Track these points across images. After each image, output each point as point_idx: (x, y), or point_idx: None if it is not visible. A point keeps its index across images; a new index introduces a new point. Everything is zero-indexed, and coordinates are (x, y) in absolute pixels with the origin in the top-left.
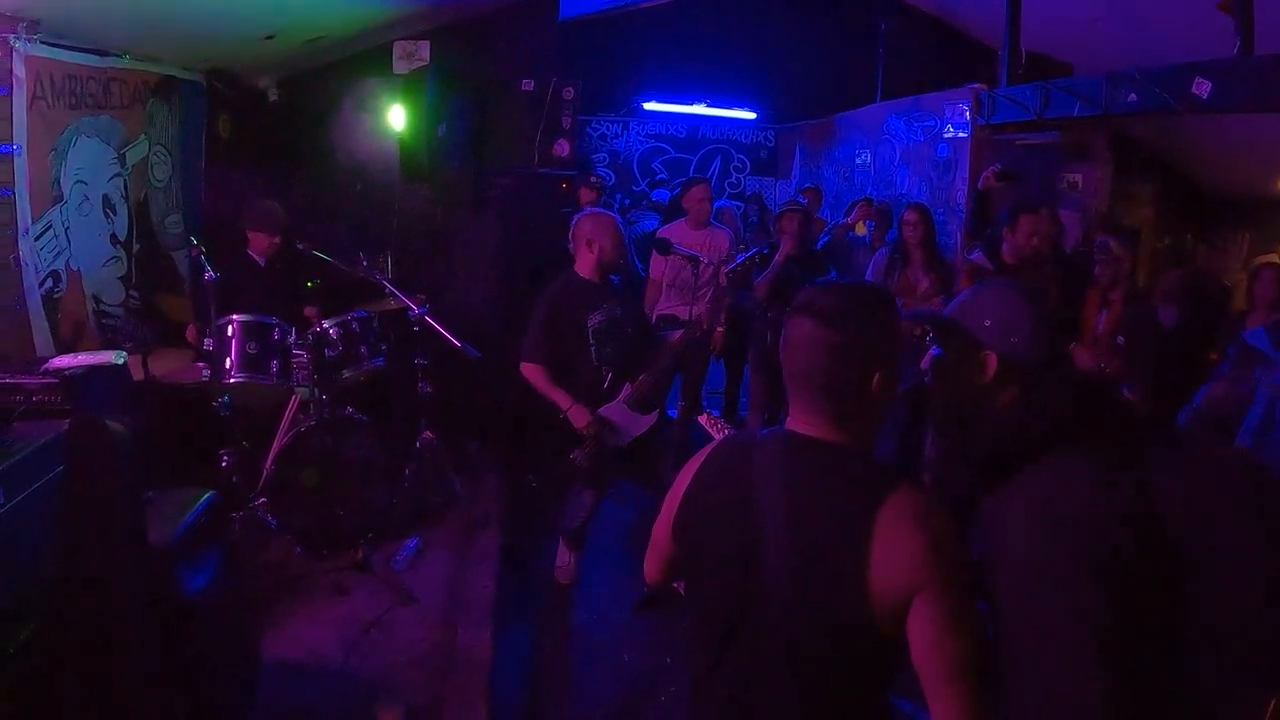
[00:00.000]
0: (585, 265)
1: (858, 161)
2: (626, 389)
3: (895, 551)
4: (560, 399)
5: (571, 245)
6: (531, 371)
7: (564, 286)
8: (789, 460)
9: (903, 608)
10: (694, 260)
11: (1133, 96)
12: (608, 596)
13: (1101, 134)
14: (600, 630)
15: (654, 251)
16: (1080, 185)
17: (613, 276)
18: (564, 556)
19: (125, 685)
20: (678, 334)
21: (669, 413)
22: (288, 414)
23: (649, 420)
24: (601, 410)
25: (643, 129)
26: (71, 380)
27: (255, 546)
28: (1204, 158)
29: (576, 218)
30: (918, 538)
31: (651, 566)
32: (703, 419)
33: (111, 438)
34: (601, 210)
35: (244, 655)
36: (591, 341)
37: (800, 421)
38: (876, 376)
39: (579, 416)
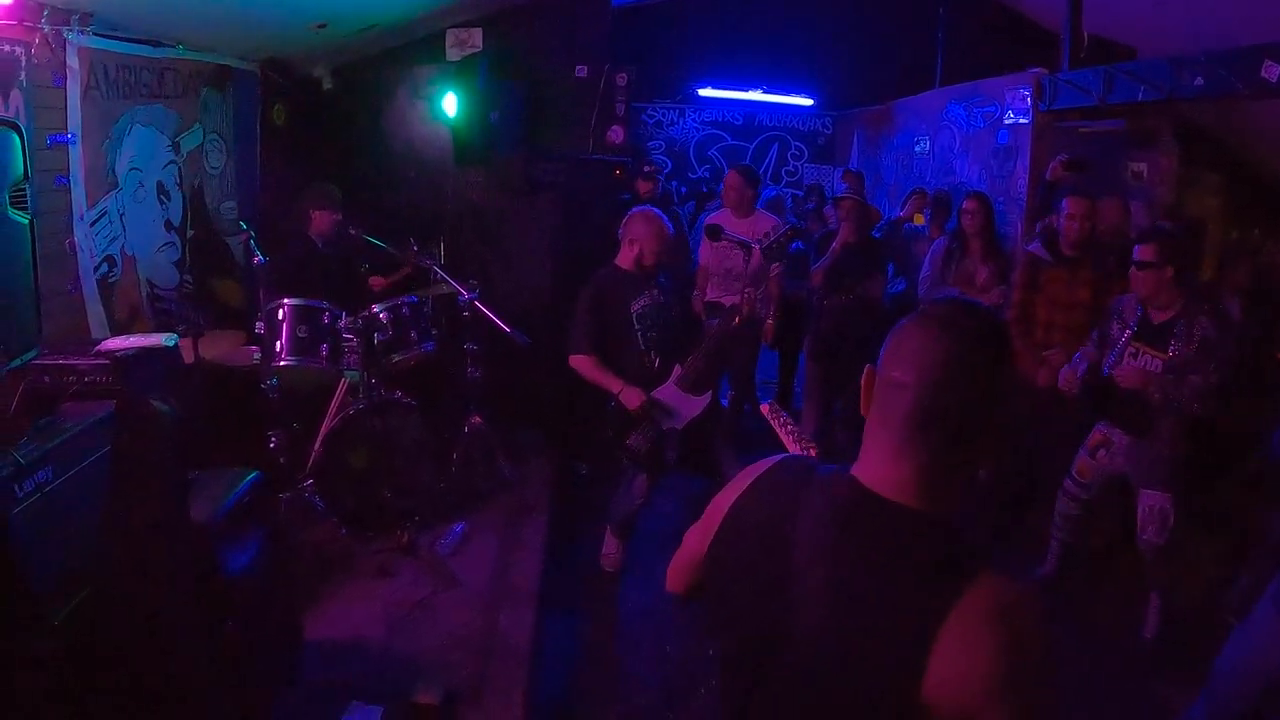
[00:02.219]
0: (626, 259)
1: (916, 149)
2: (676, 371)
3: (959, 670)
4: (611, 383)
5: (620, 234)
6: (580, 362)
7: (605, 277)
8: (848, 520)
9: None
10: (745, 246)
11: (1199, 80)
12: (653, 587)
13: (1167, 122)
14: (644, 620)
15: (704, 237)
16: (1145, 175)
17: (660, 278)
18: (610, 545)
19: (167, 660)
20: (723, 312)
21: (721, 401)
22: (336, 397)
23: (702, 402)
24: (654, 393)
25: (699, 116)
26: (122, 362)
27: (301, 527)
28: (1275, 147)
29: (632, 211)
30: (993, 654)
31: (676, 575)
32: (765, 409)
33: (157, 416)
34: (655, 212)
35: (286, 632)
36: (637, 326)
37: (876, 468)
38: (995, 421)
39: (632, 398)
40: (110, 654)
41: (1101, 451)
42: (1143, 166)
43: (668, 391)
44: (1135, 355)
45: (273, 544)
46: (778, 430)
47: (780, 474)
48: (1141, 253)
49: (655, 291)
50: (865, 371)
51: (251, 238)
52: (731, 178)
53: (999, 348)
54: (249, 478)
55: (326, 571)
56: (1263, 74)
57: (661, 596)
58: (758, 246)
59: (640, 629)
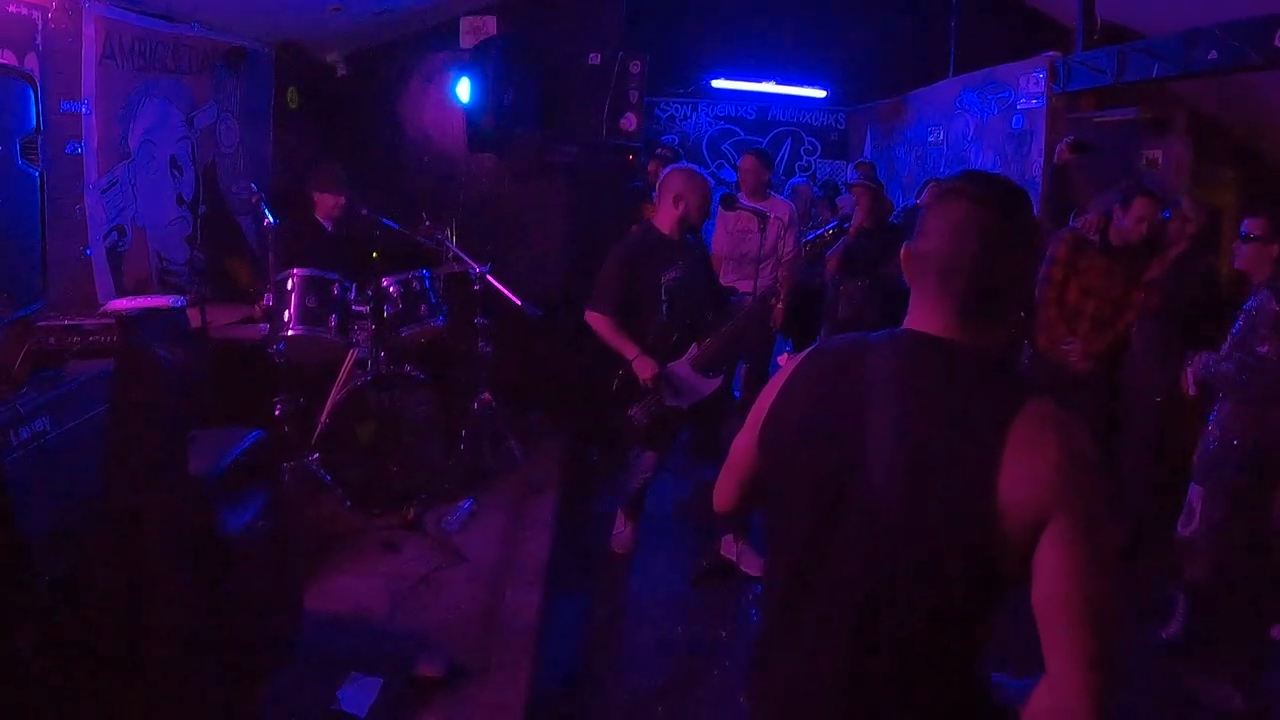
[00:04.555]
0: (667, 220)
1: (930, 140)
2: (693, 350)
3: (1030, 467)
4: (626, 348)
5: (655, 196)
6: (598, 321)
7: (642, 240)
8: (908, 360)
9: (1032, 534)
10: (761, 216)
11: (1213, 54)
12: (663, 569)
13: (1180, 109)
14: (654, 602)
15: (719, 210)
16: (1160, 163)
17: (688, 235)
18: (621, 526)
19: (160, 618)
20: (747, 299)
21: (734, 393)
22: (344, 369)
23: (713, 384)
24: (669, 367)
25: (712, 110)
26: (128, 320)
27: (306, 499)
28: None
29: (669, 169)
30: (1057, 453)
31: (725, 489)
32: (782, 359)
33: (157, 364)
34: (696, 167)
35: (285, 598)
36: (664, 298)
37: (923, 319)
38: (1025, 271)
39: (645, 367)
40: (102, 609)
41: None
42: (1158, 154)
43: (681, 368)
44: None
45: (274, 506)
46: None
47: (822, 351)
48: (1251, 226)
49: (685, 262)
50: (904, 248)
51: (262, 200)
52: (748, 161)
53: (1008, 204)
54: (252, 435)
55: (329, 544)
56: (1276, 43)
57: (672, 578)
58: (778, 220)
59: (649, 611)
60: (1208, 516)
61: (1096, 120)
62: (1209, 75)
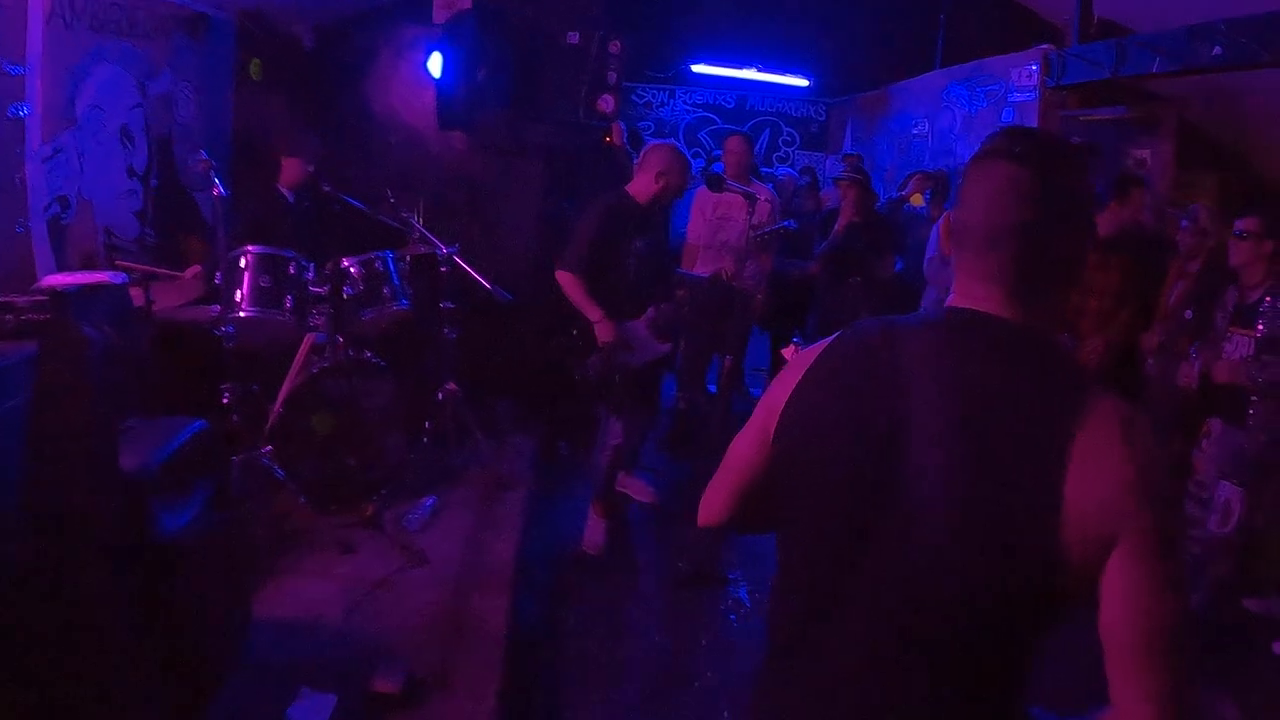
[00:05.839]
0: (644, 192)
1: (914, 132)
2: (651, 311)
3: (1101, 477)
4: (592, 312)
5: (636, 165)
6: (567, 280)
7: (617, 206)
8: (954, 341)
9: (1099, 552)
10: (750, 197)
11: (1217, 50)
12: (637, 573)
13: (1171, 109)
14: (628, 607)
15: (695, 206)
16: (1149, 162)
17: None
18: (593, 526)
19: (88, 632)
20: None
21: (709, 388)
22: (300, 355)
23: (662, 348)
24: (624, 324)
25: (689, 98)
26: (63, 298)
27: (257, 496)
28: (1269, 146)
29: (655, 143)
30: (1130, 463)
31: (716, 500)
32: (788, 352)
33: (83, 343)
34: (675, 143)
35: (232, 605)
36: (632, 264)
37: (970, 295)
38: (1082, 237)
39: (606, 331)
40: (21, 623)
41: (1205, 441)
42: (1146, 154)
43: (638, 327)
44: (1229, 339)
45: (219, 504)
46: None
47: (850, 335)
48: (1245, 224)
49: (653, 233)
50: (944, 219)
51: (212, 167)
52: (735, 143)
53: (1054, 164)
54: (192, 426)
55: (281, 544)
56: None
57: (647, 582)
58: (767, 203)
59: (624, 617)
60: (1250, 517)
61: (1083, 118)
62: (1212, 71)
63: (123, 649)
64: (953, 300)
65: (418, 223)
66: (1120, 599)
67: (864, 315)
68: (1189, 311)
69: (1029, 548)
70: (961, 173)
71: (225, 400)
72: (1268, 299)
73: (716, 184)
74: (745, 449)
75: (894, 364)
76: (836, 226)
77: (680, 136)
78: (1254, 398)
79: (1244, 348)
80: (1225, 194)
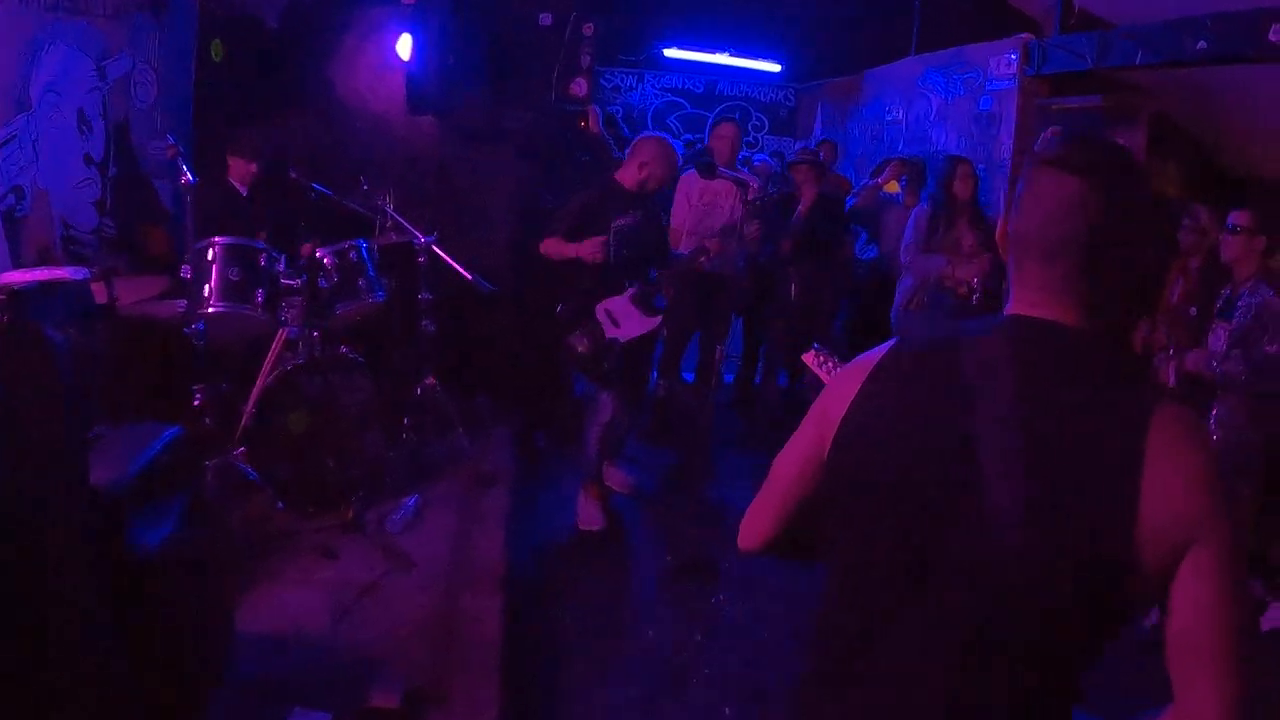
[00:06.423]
0: (629, 179)
1: (888, 118)
2: (634, 289)
3: (1175, 488)
4: (571, 249)
5: (627, 154)
6: (550, 243)
7: (604, 188)
8: (1020, 351)
9: (1170, 562)
10: (742, 184)
11: (1202, 44)
12: (627, 566)
13: (1146, 99)
14: (621, 603)
15: (681, 191)
16: None
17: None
18: (586, 505)
19: (59, 660)
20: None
21: (685, 376)
22: (272, 351)
23: (651, 323)
24: (609, 301)
25: (658, 82)
26: (20, 295)
27: (231, 501)
28: (1239, 140)
29: (643, 135)
30: (1202, 473)
31: (761, 521)
32: (808, 357)
33: (46, 346)
34: (666, 137)
35: (213, 622)
36: (611, 241)
37: (1032, 304)
38: (1150, 247)
39: (593, 248)
40: None
41: None
42: (1121, 143)
43: (619, 302)
44: (1212, 331)
45: (196, 515)
46: (824, 378)
47: (911, 345)
48: (1237, 218)
49: (639, 213)
50: (999, 225)
51: (180, 153)
52: (728, 129)
53: (1120, 175)
54: (166, 433)
55: (260, 552)
56: (1270, 37)
57: (638, 576)
58: (754, 184)
59: (619, 612)
60: None
61: (1056, 108)
62: (1196, 65)
63: (99, 674)
64: (1013, 309)
65: (392, 210)
66: (1193, 603)
67: (827, 297)
68: (1194, 309)
69: (1106, 557)
70: (1020, 178)
71: (197, 402)
72: (1245, 295)
73: (709, 171)
74: (794, 466)
75: (957, 375)
76: (800, 209)
77: (649, 121)
78: (1218, 394)
79: (1222, 340)
80: (1191, 183)
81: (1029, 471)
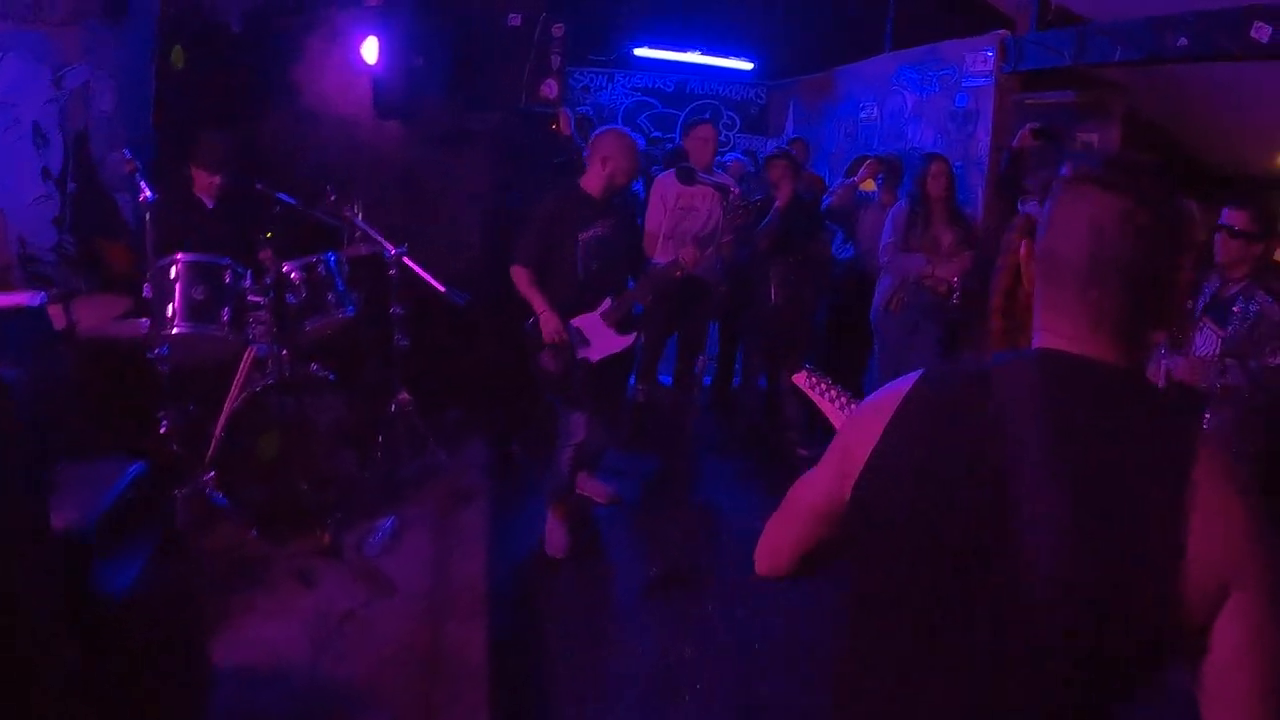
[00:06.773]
0: (593, 181)
1: (862, 116)
2: (606, 303)
3: (1220, 530)
4: (537, 303)
5: (587, 155)
6: (517, 273)
7: (564, 197)
8: (1054, 388)
9: (1213, 604)
10: (723, 189)
11: (1183, 40)
12: (611, 578)
13: (1120, 95)
14: (606, 617)
15: (656, 194)
16: (1095, 145)
17: (615, 197)
18: (553, 528)
19: (27, 707)
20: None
21: (662, 380)
22: (240, 371)
23: (624, 341)
24: (577, 319)
25: (629, 82)
26: None
27: (202, 530)
28: (1213, 135)
29: (601, 129)
30: (1245, 516)
31: (779, 550)
32: (799, 379)
33: (1, 389)
34: (627, 130)
35: (190, 660)
36: (580, 254)
37: (1062, 336)
38: (1182, 272)
39: (549, 322)
40: None
41: None
42: (1093, 137)
43: (591, 320)
44: (1201, 328)
45: (166, 552)
46: (816, 400)
47: (937, 382)
48: (1231, 218)
49: (608, 223)
50: (1024, 245)
51: (138, 169)
52: (707, 130)
53: (1161, 195)
54: (132, 469)
55: (234, 583)
56: (1252, 34)
57: (623, 590)
58: (736, 190)
59: (604, 627)
60: None
61: (1029, 103)
62: (1176, 62)
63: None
64: (1043, 341)
65: (360, 220)
66: (1234, 646)
67: (807, 296)
68: (1189, 304)
69: (1150, 599)
70: (1051, 197)
71: (163, 430)
72: (1240, 300)
73: (689, 178)
74: (817, 497)
75: (989, 412)
76: (776, 205)
77: (620, 121)
78: (1211, 403)
79: (1211, 343)
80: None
81: (1075, 514)
